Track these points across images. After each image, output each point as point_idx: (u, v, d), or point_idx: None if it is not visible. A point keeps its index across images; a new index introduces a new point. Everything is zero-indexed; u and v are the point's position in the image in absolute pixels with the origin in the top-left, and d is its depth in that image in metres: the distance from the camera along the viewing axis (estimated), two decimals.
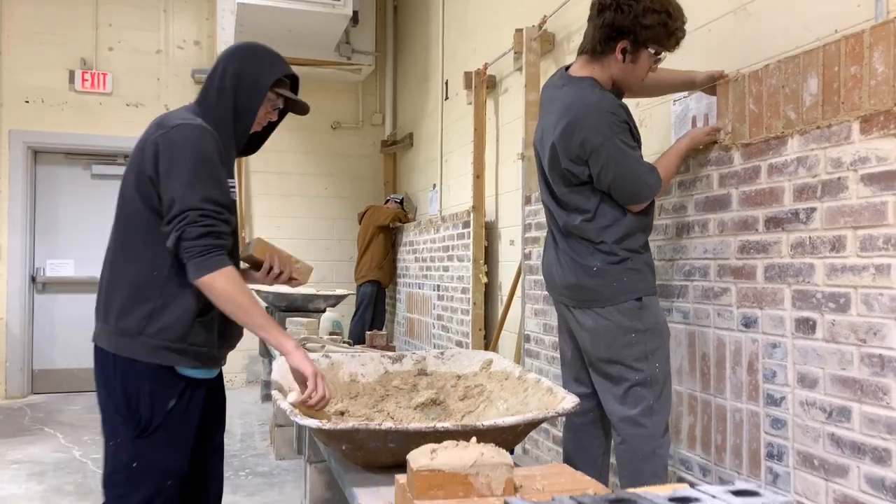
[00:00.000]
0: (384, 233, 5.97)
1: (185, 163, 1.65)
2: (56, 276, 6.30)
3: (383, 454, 1.50)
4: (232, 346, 1.87)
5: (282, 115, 1.94)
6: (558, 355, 3.15)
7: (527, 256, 3.59)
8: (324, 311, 4.78)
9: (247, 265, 2.01)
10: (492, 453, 1.37)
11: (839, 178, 1.75)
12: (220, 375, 1.94)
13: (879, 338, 1.64)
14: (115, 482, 1.70)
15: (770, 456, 1.95)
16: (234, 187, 1.80)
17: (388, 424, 1.43)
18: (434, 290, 5.18)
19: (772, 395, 1.96)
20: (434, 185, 5.62)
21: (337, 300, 5.03)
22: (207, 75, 1.85)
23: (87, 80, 6.18)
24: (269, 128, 1.96)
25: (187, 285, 1.68)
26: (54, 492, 3.59)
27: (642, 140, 2.15)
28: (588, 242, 2.06)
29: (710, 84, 2.22)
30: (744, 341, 2.06)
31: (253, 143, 1.98)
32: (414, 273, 5.73)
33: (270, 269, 1.95)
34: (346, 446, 1.46)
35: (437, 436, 1.47)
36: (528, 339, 3.55)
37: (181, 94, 6.41)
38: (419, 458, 1.34)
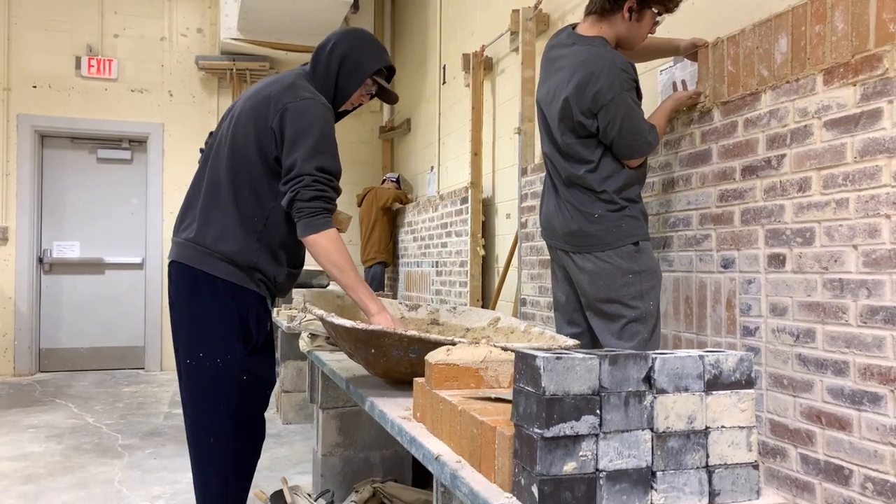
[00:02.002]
0: (388, 214, 6.16)
1: (312, 135, 1.88)
2: (62, 258, 6.46)
3: (403, 363, 1.70)
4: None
5: (370, 99, 2.18)
6: (552, 315, 3.36)
7: (523, 225, 3.79)
8: (326, 285, 4.98)
9: None
10: (499, 352, 1.57)
11: (805, 126, 1.96)
12: None
13: (839, 264, 1.85)
14: (226, 394, 1.96)
15: None
16: None
17: (412, 332, 1.62)
18: (432, 267, 5.38)
19: (747, 327, 2.17)
20: (432, 168, 5.82)
21: None
22: (317, 48, 2.07)
23: (93, 66, 6.34)
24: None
25: (286, 234, 1.96)
26: (73, 450, 3.77)
27: None
28: (590, 192, 2.24)
29: (693, 50, 2.43)
30: (723, 281, 2.27)
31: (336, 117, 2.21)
32: (412, 252, 5.93)
33: None
34: (373, 351, 1.66)
35: None
36: (524, 302, 3.75)
37: (185, 81, 6.59)
38: (436, 355, 1.54)
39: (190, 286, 1.96)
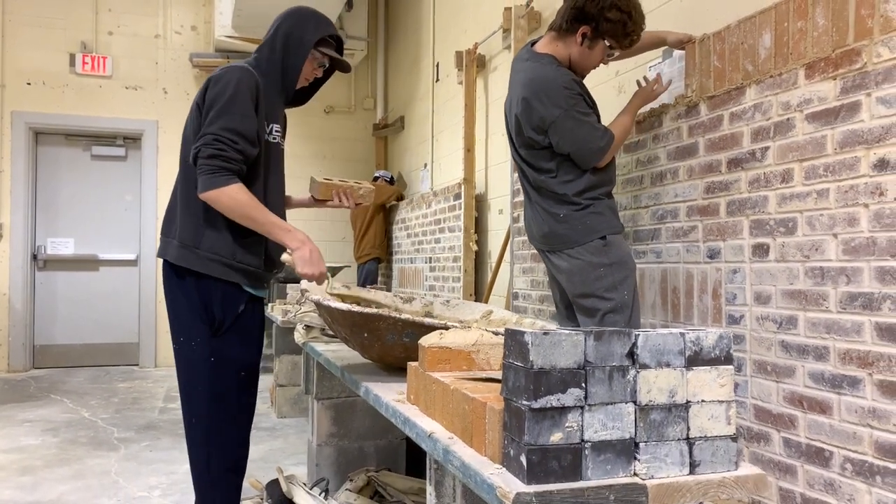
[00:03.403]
0: (383, 211, 6.21)
1: (223, 97, 1.90)
2: (56, 254, 6.48)
3: (397, 347, 1.74)
4: (280, 270, 2.16)
5: (328, 73, 2.20)
6: (544, 308, 3.42)
7: (515, 220, 3.84)
8: None
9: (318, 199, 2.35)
10: (490, 335, 1.62)
11: (788, 119, 2.02)
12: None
13: (820, 252, 1.91)
14: (196, 375, 1.99)
15: None
16: (279, 132, 2.08)
17: (406, 316, 1.67)
18: (426, 263, 5.43)
19: (732, 315, 2.22)
20: (425, 165, 5.86)
21: (334, 271, 5.26)
22: (266, 33, 2.11)
23: (87, 63, 6.36)
24: (317, 84, 2.22)
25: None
26: (69, 443, 3.80)
27: (619, 105, 2.41)
28: (554, 194, 2.32)
29: (680, 46, 2.49)
30: (709, 271, 2.33)
31: (303, 97, 2.23)
32: (406, 248, 5.97)
33: (339, 201, 2.31)
34: (367, 335, 1.70)
35: None
36: (516, 296, 3.80)
37: (179, 78, 6.61)
38: (429, 339, 1.59)
39: (165, 277, 2.05)
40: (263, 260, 2.05)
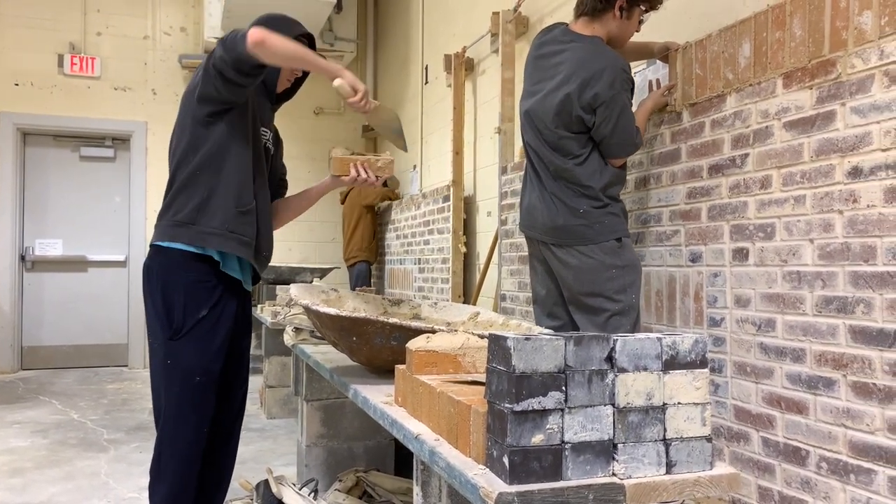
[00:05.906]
0: (371, 212, 6.23)
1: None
2: (44, 256, 6.46)
3: (385, 351, 1.78)
4: (264, 256, 2.12)
5: (307, 72, 2.22)
6: (531, 309, 3.45)
7: (503, 222, 3.89)
8: (311, 283, 5.04)
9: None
10: (476, 339, 1.66)
11: (767, 127, 2.08)
12: (249, 301, 2.24)
13: (797, 257, 1.96)
14: (157, 375, 2.04)
15: (712, 370, 2.27)
16: (265, 133, 2.12)
17: (394, 320, 1.71)
18: (415, 264, 5.47)
19: (713, 318, 2.28)
20: (414, 166, 5.90)
21: (324, 273, 5.28)
22: None
23: (75, 64, 6.35)
24: (297, 84, 2.26)
25: (223, 179, 1.96)
26: (59, 444, 3.81)
27: None
28: (577, 186, 2.32)
29: (665, 53, 2.54)
30: (691, 275, 2.38)
31: (287, 94, 2.27)
32: (395, 250, 6.01)
33: (357, 176, 2.22)
34: (355, 338, 1.74)
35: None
36: (504, 298, 3.85)
37: (168, 80, 6.61)
38: (417, 342, 1.63)
39: (143, 279, 2.10)
40: (256, 232, 2.04)
